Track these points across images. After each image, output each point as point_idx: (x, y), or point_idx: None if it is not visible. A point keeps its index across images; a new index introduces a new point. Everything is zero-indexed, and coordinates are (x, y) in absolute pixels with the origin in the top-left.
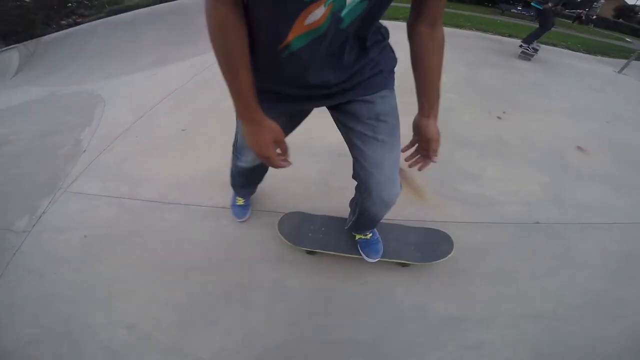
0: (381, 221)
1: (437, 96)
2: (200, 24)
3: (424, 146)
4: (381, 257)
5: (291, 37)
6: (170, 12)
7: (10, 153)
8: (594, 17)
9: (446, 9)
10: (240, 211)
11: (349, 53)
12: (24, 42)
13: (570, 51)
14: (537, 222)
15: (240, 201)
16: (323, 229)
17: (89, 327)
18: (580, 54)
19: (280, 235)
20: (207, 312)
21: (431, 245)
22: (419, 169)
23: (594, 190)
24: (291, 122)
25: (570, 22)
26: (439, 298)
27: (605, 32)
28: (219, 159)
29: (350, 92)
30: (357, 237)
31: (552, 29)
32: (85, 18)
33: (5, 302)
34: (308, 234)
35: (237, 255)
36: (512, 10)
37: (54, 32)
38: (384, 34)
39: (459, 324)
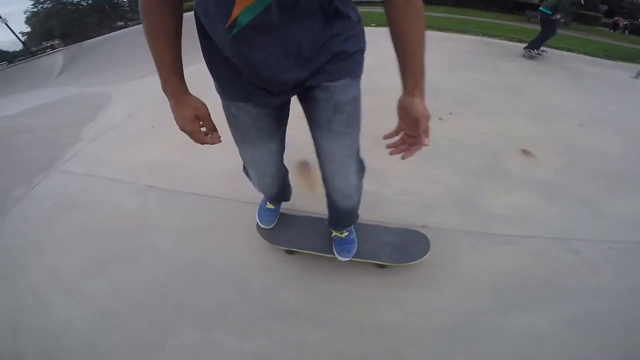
0: (360, 222)
1: (421, 71)
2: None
3: (413, 128)
4: (356, 258)
5: (237, 11)
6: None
7: (29, 139)
8: (626, 23)
9: (467, 16)
10: (267, 217)
11: (307, 26)
12: (68, 46)
13: (585, 56)
14: (424, 226)
15: (270, 205)
16: (302, 228)
17: (24, 270)
18: (595, 58)
19: (259, 234)
20: (122, 272)
21: (408, 245)
22: (403, 158)
23: (518, 198)
24: (276, 116)
25: (608, 29)
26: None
27: None
28: (180, 150)
29: (314, 77)
30: (334, 234)
31: (574, 34)
32: (134, 21)
33: None
34: (287, 233)
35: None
36: (538, 18)
37: (103, 34)
38: (355, 12)
39: None
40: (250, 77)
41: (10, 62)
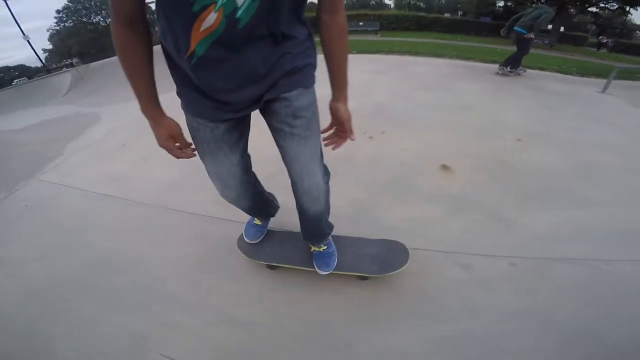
0: (340, 235)
1: (344, 81)
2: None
3: (339, 127)
4: (337, 271)
5: (193, 44)
6: None
7: (19, 153)
8: (607, 41)
9: (453, 41)
10: (253, 233)
11: (259, 49)
12: (77, 67)
13: (557, 73)
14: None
15: (257, 222)
16: (282, 243)
17: None
18: (568, 76)
19: (239, 250)
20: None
21: (388, 256)
22: (333, 149)
23: (418, 212)
24: (235, 130)
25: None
26: None
27: (628, 57)
28: (144, 164)
29: (270, 91)
30: (312, 249)
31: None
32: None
33: None
34: (267, 248)
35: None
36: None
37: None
38: (302, 32)
39: None
40: (213, 97)
41: (30, 77)
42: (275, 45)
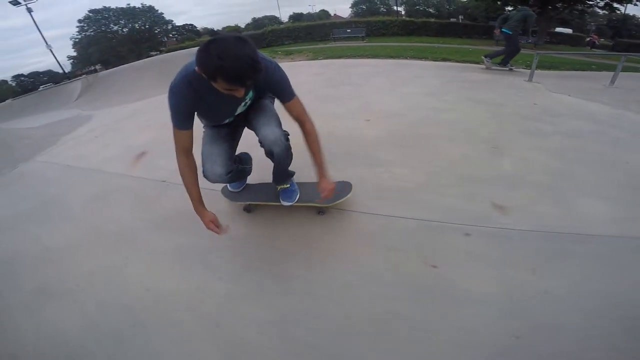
0: (301, 182)
1: (321, 164)
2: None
3: (322, 193)
4: (297, 202)
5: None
6: (161, 61)
7: (28, 143)
8: (597, 41)
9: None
10: (236, 184)
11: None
12: (86, 75)
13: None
14: (164, 181)
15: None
16: (256, 190)
17: None
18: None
19: (223, 196)
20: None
21: (336, 192)
22: (321, 201)
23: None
24: (233, 132)
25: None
26: None
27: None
28: (103, 149)
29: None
30: (279, 188)
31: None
32: (161, 51)
33: None
34: (244, 195)
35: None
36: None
37: (126, 64)
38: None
39: None
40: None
41: (56, 83)
42: (256, 103)
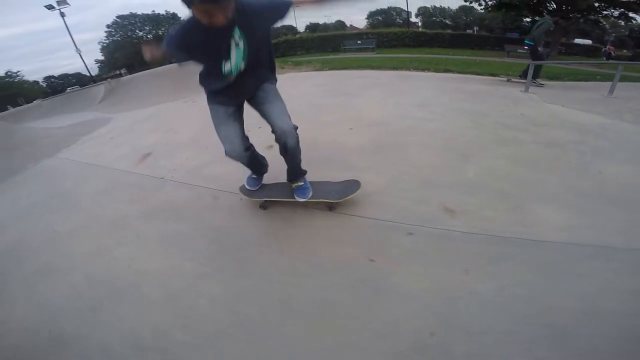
0: (312, 181)
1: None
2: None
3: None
4: (311, 199)
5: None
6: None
7: (51, 141)
8: (613, 52)
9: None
10: (252, 182)
11: (257, 78)
12: (110, 80)
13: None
14: (162, 178)
15: (254, 175)
16: (271, 189)
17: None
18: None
19: (240, 193)
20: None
21: (345, 189)
22: None
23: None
24: (240, 111)
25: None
26: None
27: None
28: (115, 149)
29: (254, 91)
30: (293, 185)
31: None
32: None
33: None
34: (260, 193)
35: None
36: (518, 51)
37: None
38: (268, 69)
39: None
40: (231, 96)
41: (82, 85)
42: (264, 71)
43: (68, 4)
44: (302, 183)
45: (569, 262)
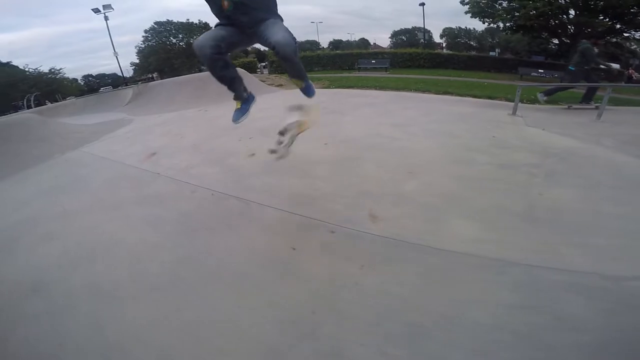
0: None
1: None
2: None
3: None
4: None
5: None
6: (198, 79)
7: (76, 137)
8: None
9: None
10: (236, 114)
11: (254, 8)
12: (138, 84)
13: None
14: (158, 174)
15: (238, 105)
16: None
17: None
18: (495, 101)
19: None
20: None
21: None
22: None
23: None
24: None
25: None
26: None
27: None
28: (129, 146)
29: (257, 22)
30: (302, 86)
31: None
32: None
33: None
34: None
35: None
36: (532, 74)
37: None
38: (273, 6)
39: None
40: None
41: (115, 87)
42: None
43: (112, 8)
44: (305, 84)
45: (456, 271)
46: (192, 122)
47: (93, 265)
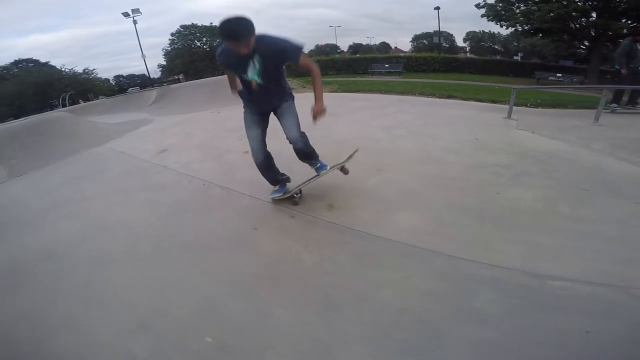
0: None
1: (319, 96)
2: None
3: (314, 114)
4: (332, 169)
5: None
6: (214, 82)
7: (103, 134)
8: None
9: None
10: (276, 193)
11: (275, 92)
12: (161, 86)
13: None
14: (165, 166)
15: (275, 187)
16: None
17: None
18: (496, 105)
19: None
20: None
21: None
22: (314, 123)
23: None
24: (264, 120)
25: None
26: None
27: None
28: (145, 143)
29: (276, 107)
30: (313, 168)
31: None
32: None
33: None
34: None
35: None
36: (549, 78)
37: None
38: (285, 88)
39: None
40: (255, 105)
41: (142, 88)
42: (280, 89)
43: (140, 12)
44: (318, 164)
45: (386, 256)
46: (203, 123)
47: (98, 238)
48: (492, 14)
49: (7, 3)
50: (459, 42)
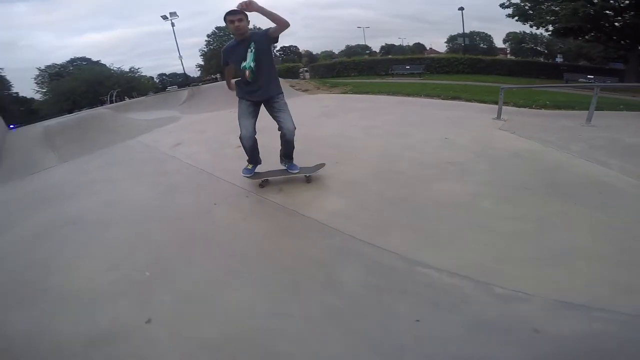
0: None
1: (268, 12)
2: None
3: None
4: (297, 173)
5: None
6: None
7: (133, 129)
8: None
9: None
10: (247, 171)
11: (268, 81)
12: (194, 86)
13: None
14: (174, 157)
15: (249, 166)
16: (268, 172)
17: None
18: (524, 109)
19: (242, 174)
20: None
21: (316, 167)
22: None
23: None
24: (256, 112)
25: None
26: None
27: None
28: (168, 138)
29: (272, 97)
30: (286, 165)
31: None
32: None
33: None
34: (260, 175)
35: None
36: (579, 80)
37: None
38: (277, 80)
39: None
40: (253, 93)
41: (179, 87)
42: (272, 80)
43: (177, 15)
44: (291, 162)
45: (302, 230)
46: (218, 121)
47: (108, 211)
48: (519, 13)
49: (65, 3)
50: (499, 43)
